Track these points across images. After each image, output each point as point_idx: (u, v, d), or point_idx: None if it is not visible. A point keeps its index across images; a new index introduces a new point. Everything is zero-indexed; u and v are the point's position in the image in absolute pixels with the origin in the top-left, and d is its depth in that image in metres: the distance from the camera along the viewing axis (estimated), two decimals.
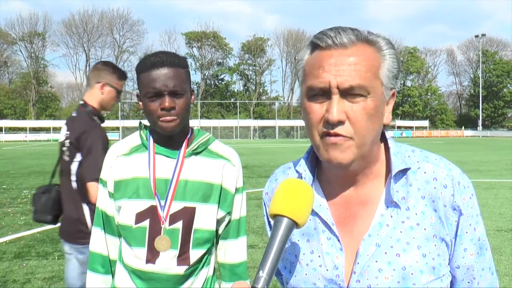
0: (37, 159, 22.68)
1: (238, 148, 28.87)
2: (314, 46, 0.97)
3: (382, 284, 0.94)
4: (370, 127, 0.93)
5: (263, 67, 79.00)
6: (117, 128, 60.41)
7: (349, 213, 1.02)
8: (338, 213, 1.02)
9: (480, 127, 71.52)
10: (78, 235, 2.66)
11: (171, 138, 1.62)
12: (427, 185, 0.98)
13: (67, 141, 2.63)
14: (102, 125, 2.75)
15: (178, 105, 1.55)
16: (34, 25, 72.15)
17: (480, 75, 75.02)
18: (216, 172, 1.64)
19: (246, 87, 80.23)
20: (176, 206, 1.57)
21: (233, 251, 1.74)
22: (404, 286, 0.93)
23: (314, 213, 1.02)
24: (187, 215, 1.58)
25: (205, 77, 76.98)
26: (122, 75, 2.81)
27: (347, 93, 0.92)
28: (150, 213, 1.57)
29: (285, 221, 0.87)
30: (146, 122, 1.76)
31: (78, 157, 2.56)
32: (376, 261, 0.95)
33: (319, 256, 1.01)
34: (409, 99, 77.33)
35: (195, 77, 76.29)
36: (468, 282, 1.01)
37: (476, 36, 77.73)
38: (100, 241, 1.69)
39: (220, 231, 1.73)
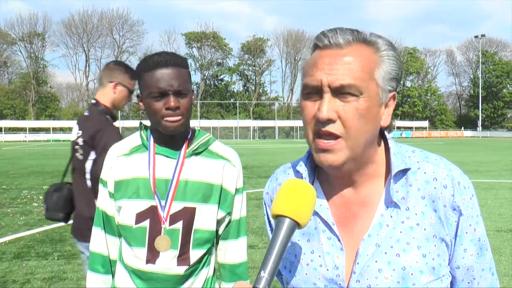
0: (36, 159, 22.67)
1: (238, 149, 28.86)
2: (315, 46, 0.98)
3: (382, 284, 0.94)
4: (361, 128, 0.93)
5: (263, 68, 79.04)
6: (117, 128, 60.25)
7: (349, 213, 1.02)
8: (339, 213, 1.03)
9: (479, 128, 71.56)
10: (90, 232, 2.69)
11: (172, 139, 1.62)
12: (427, 185, 0.98)
13: (80, 139, 2.64)
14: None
15: (182, 105, 1.55)
16: (34, 25, 72.20)
17: (480, 75, 75.07)
18: (216, 172, 1.65)
19: (245, 88, 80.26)
20: (176, 206, 1.58)
21: (233, 251, 1.74)
22: (404, 286, 0.93)
23: (314, 213, 1.02)
24: (187, 215, 1.58)
25: (205, 77, 76.98)
26: (134, 75, 2.83)
27: (339, 92, 0.92)
28: (150, 213, 1.57)
29: (287, 222, 0.87)
30: (146, 122, 1.76)
31: (93, 155, 2.58)
32: (376, 261, 0.95)
33: (319, 256, 1.01)
34: (409, 99, 77.38)
35: (195, 77, 76.33)
36: (468, 283, 1.01)
37: (476, 37, 77.81)
38: (100, 241, 1.69)
39: (220, 232, 1.73)
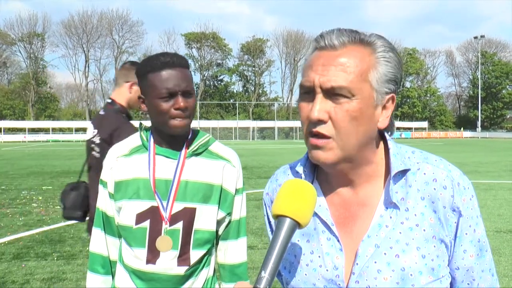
0: (36, 159, 22.66)
1: (237, 149, 28.86)
2: (313, 47, 0.99)
3: (381, 284, 0.94)
4: (352, 129, 0.93)
5: (262, 68, 79.06)
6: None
7: (348, 214, 1.02)
8: (338, 213, 1.03)
9: (479, 128, 71.61)
10: None
11: (173, 139, 1.62)
12: (426, 186, 0.98)
13: (97, 138, 2.66)
14: None
15: (189, 105, 1.56)
16: (34, 26, 72.20)
17: (479, 76, 75.12)
18: (216, 173, 1.65)
19: (245, 88, 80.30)
20: (177, 206, 1.58)
21: (233, 251, 1.74)
22: (403, 287, 0.94)
23: (314, 213, 1.01)
24: (188, 216, 1.58)
25: (205, 78, 77.00)
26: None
27: (331, 93, 0.92)
28: (151, 214, 1.57)
29: (287, 222, 0.87)
30: (146, 123, 1.76)
31: None
32: (375, 262, 0.95)
33: (319, 257, 1.01)
34: (408, 100, 77.45)
35: (194, 78, 76.25)
36: (468, 284, 1.01)
37: (475, 38, 77.86)
38: (100, 242, 1.69)
39: (220, 232, 1.73)
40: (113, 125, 2.62)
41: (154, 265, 1.57)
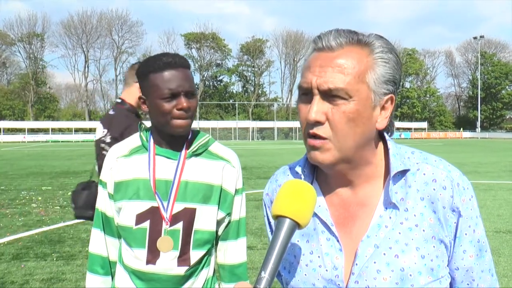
0: (35, 160, 22.65)
1: (237, 149, 28.87)
2: (312, 48, 0.99)
3: (380, 285, 0.94)
4: (350, 131, 0.93)
5: (262, 69, 79.11)
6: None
7: (348, 214, 1.02)
8: (337, 213, 1.03)
9: (478, 129, 71.65)
10: None
11: (173, 140, 1.62)
12: (426, 186, 0.98)
13: (108, 137, 2.68)
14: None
15: (192, 106, 1.56)
16: (33, 26, 72.21)
17: (479, 76, 75.20)
18: (216, 173, 1.65)
19: (245, 89, 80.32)
20: (177, 207, 1.58)
21: (232, 252, 1.74)
22: (403, 287, 0.94)
23: (313, 213, 1.01)
24: (188, 216, 1.58)
25: (204, 78, 77.02)
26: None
27: (328, 95, 0.92)
28: (151, 214, 1.57)
29: (287, 222, 0.87)
30: (146, 123, 1.76)
31: None
32: (375, 262, 0.95)
33: (318, 257, 1.01)
34: (408, 100, 77.50)
35: (194, 78, 76.26)
36: (468, 284, 1.01)
37: (475, 38, 77.92)
38: (99, 243, 1.69)
39: (220, 232, 1.73)
40: (124, 124, 2.65)
41: (154, 265, 1.57)
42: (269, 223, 1.19)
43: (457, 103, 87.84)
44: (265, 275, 0.83)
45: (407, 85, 79.60)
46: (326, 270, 0.99)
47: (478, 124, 72.23)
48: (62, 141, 57.50)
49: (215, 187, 1.64)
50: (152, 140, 1.64)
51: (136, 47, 77.82)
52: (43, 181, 13.54)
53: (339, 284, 0.97)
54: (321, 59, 0.95)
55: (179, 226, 1.58)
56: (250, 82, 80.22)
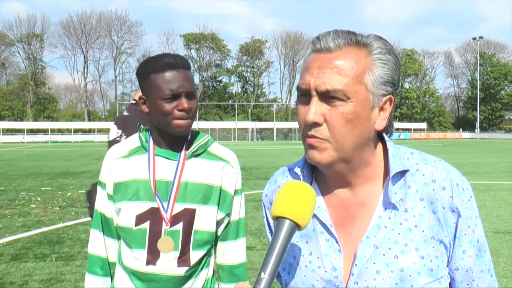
0: (34, 160, 22.63)
1: (236, 150, 28.88)
2: (311, 49, 0.99)
3: (380, 285, 0.94)
4: (347, 132, 0.94)
5: (261, 69, 79.15)
6: None
7: (347, 215, 1.02)
8: (337, 214, 1.03)
9: (477, 129, 71.72)
10: None
11: (173, 140, 1.62)
12: (425, 187, 0.98)
13: (123, 137, 2.69)
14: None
15: (192, 106, 1.56)
16: (32, 27, 72.21)
17: (478, 77, 75.26)
18: (216, 174, 1.65)
19: (244, 89, 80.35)
20: (177, 207, 1.58)
21: (232, 252, 1.74)
22: (402, 287, 0.94)
23: (312, 214, 1.01)
24: (188, 217, 1.58)
25: (203, 78, 77.04)
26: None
27: (326, 96, 0.93)
28: (150, 215, 1.57)
29: (287, 223, 0.87)
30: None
31: None
32: (374, 263, 0.95)
33: (317, 258, 1.01)
34: (407, 101, 77.55)
35: (194, 78, 76.22)
36: (467, 284, 1.01)
37: (474, 39, 77.94)
38: (98, 244, 1.69)
39: (219, 233, 1.73)
40: (139, 123, 2.67)
41: (154, 266, 1.57)
42: (268, 224, 1.19)
43: (456, 104, 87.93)
44: (265, 275, 0.83)
45: (406, 85, 79.69)
46: (325, 271, 0.99)
47: (477, 124, 72.29)
48: (61, 142, 57.46)
49: (214, 188, 1.64)
50: (151, 141, 1.64)
51: (135, 47, 78.13)
52: (42, 181, 13.53)
53: (338, 285, 0.97)
54: (320, 60, 0.95)
55: (179, 226, 1.58)
56: (249, 82, 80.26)
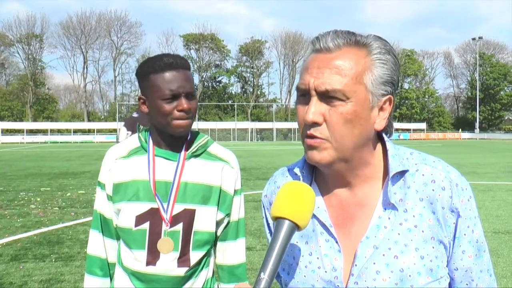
0: (34, 161, 22.62)
1: (236, 150, 28.86)
2: (311, 49, 0.99)
3: (380, 285, 0.94)
4: (347, 132, 0.94)
5: (261, 69, 79.18)
6: (115, 130, 60.32)
7: (346, 215, 1.02)
8: (336, 214, 1.03)
9: (477, 130, 71.78)
10: None
11: (173, 140, 1.62)
12: (425, 187, 0.98)
13: None
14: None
15: (192, 107, 1.56)
16: (32, 27, 72.19)
17: (477, 78, 75.35)
18: (215, 174, 1.65)
19: (243, 89, 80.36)
20: (177, 208, 1.58)
21: (232, 252, 1.74)
22: (402, 287, 0.94)
23: (312, 215, 1.02)
24: (187, 217, 1.58)
25: (203, 79, 77.05)
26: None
27: (326, 96, 0.93)
28: (150, 216, 1.57)
29: (286, 224, 0.87)
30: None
31: None
32: (374, 263, 0.96)
33: (317, 258, 1.01)
34: (407, 101, 77.58)
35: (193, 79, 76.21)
36: (467, 284, 1.01)
37: (473, 39, 78.01)
38: (98, 244, 1.69)
39: (219, 233, 1.73)
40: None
41: (154, 266, 1.57)
42: (268, 224, 1.19)
43: (455, 104, 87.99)
44: (265, 276, 0.83)
45: (406, 86, 79.75)
46: (325, 271, 0.99)
47: (477, 125, 72.35)
48: (60, 142, 57.45)
49: (214, 188, 1.64)
50: (151, 141, 1.64)
51: (135, 48, 78.14)
52: (41, 182, 13.53)
53: (338, 285, 0.98)
54: (319, 60, 0.95)
55: (179, 227, 1.58)
56: (249, 83, 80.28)
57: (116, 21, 76.41)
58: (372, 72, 0.95)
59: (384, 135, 1.05)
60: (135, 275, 1.59)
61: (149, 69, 1.55)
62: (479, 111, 74.69)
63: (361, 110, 0.94)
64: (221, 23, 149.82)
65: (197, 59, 76.36)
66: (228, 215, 1.70)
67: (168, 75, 1.52)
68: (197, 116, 1.67)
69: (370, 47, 0.96)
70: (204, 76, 77.35)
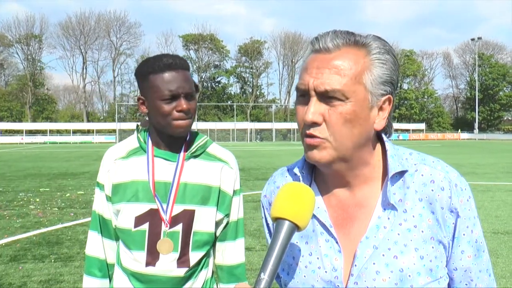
0: (33, 161, 22.60)
1: (235, 151, 28.85)
2: (310, 49, 1.00)
3: (379, 285, 0.94)
4: (347, 131, 0.94)
5: (260, 70, 79.17)
6: (114, 131, 60.33)
7: (346, 215, 1.02)
8: (336, 215, 1.03)
9: (476, 130, 71.83)
10: None
11: (172, 141, 1.62)
12: (424, 187, 0.99)
13: None
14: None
15: (192, 107, 1.56)
16: (31, 27, 72.12)
17: (476, 78, 75.42)
18: (215, 174, 1.65)
19: (243, 90, 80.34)
20: (177, 209, 1.58)
21: (231, 252, 1.74)
22: (402, 287, 0.94)
23: (312, 215, 1.01)
24: (187, 218, 1.58)
25: (202, 79, 76.99)
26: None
27: (325, 96, 0.93)
28: (150, 216, 1.57)
29: (286, 224, 0.88)
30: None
31: None
32: (374, 263, 0.96)
33: (317, 258, 1.01)
34: (406, 102, 77.60)
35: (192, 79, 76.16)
36: (466, 284, 1.02)
37: (472, 40, 78.09)
38: (97, 245, 1.69)
39: (218, 233, 1.73)
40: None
41: (154, 267, 1.56)
42: (267, 225, 1.19)
43: (455, 105, 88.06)
44: (265, 276, 0.83)
45: (405, 86, 79.78)
46: (326, 272, 0.99)
47: (476, 125, 72.41)
48: (60, 143, 57.40)
49: (213, 189, 1.64)
50: (150, 142, 1.64)
51: (134, 48, 78.21)
52: (41, 182, 13.52)
53: (338, 286, 0.98)
54: (318, 60, 0.95)
55: (179, 228, 1.58)
56: (248, 83, 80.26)
57: (115, 22, 76.46)
58: (371, 72, 0.95)
59: (383, 135, 1.05)
60: (135, 276, 1.59)
61: (148, 69, 1.55)
62: (478, 112, 74.74)
63: (361, 110, 0.94)
64: (220, 24, 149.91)
65: (196, 59, 76.40)
66: (227, 215, 1.70)
67: (167, 75, 1.52)
68: (196, 116, 1.67)
69: (369, 47, 0.96)
70: (203, 77, 77.34)
